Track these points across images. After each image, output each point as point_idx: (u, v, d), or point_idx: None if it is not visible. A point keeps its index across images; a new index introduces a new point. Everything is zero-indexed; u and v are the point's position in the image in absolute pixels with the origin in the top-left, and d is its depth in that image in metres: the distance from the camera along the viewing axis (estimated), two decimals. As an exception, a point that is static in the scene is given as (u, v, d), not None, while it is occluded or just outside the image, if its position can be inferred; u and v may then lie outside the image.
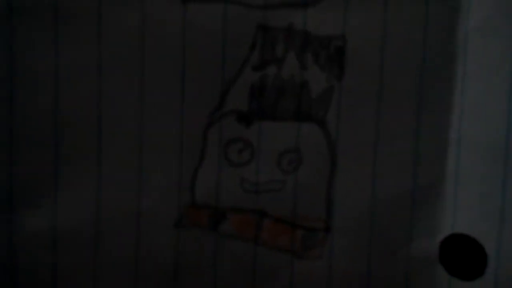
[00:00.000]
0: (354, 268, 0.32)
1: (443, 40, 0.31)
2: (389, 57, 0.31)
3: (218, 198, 0.32)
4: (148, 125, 0.31)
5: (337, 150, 0.32)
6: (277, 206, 0.32)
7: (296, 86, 0.32)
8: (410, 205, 0.32)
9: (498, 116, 0.31)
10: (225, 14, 0.31)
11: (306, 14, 0.31)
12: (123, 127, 0.31)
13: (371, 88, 0.32)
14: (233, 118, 0.32)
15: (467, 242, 0.32)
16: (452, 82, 0.31)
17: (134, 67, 0.31)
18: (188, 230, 0.32)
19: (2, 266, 0.31)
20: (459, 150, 0.32)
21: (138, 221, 0.32)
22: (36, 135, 0.31)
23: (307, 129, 0.32)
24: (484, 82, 0.31)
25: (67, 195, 0.31)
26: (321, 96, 0.32)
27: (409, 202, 0.32)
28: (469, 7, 0.31)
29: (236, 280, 0.33)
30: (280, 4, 0.31)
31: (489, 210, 0.32)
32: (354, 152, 0.32)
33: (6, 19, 0.30)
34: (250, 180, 0.32)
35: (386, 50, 0.31)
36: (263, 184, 0.32)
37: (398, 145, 0.32)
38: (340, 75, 0.32)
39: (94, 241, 0.32)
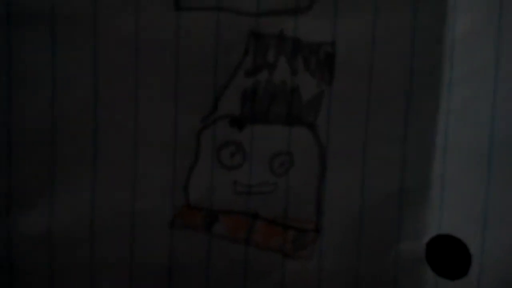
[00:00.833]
0: (344, 268, 0.33)
1: (430, 47, 0.32)
2: (378, 63, 0.32)
3: (211, 200, 0.33)
4: (142, 128, 0.32)
5: (327, 153, 0.33)
6: (269, 208, 0.33)
7: (287, 91, 0.33)
8: (398, 207, 0.33)
9: (482, 121, 0.32)
10: (218, 21, 0.32)
11: (297, 21, 0.32)
12: (118, 130, 0.32)
13: (360, 93, 0.32)
14: (226, 122, 0.33)
15: (453, 242, 0.33)
16: (439, 88, 0.32)
17: (129, 72, 0.32)
18: (181, 231, 0.33)
19: None
20: (445, 154, 0.33)
21: (132, 222, 0.33)
22: (33, 137, 0.32)
23: (298, 132, 0.33)
24: (469, 88, 0.32)
25: (63, 196, 0.32)
26: (311, 101, 0.33)
27: (397, 204, 0.33)
28: (455, 15, 0.32)
29: (228, 280, 0.33)
30: (272, 11, 0.32)
31: (473, 212, 0.33)
32: (343, 155, 0.33)
33: (4, 23, 0.31)
34: (243, 183, 0.33)
35: (375, 56, 0.32)
36: (255, 187, 0.33)
37: (386, 148, 0.33)
38: (330, 80, 0.32)
39: (89, 241, 0.33)
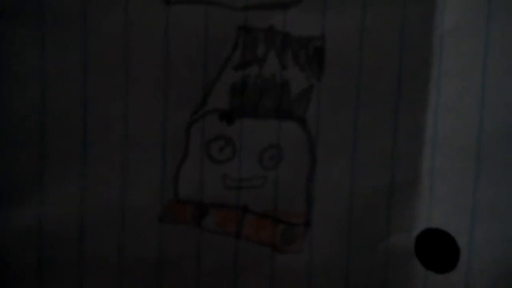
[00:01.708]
0: (333, 261, 0.33)
1: (419, 41, 0.32)
2: (367, 57, 0.32)
3: (201, 194, 0.33)
4: (132, 123, 0.32)
5: (316, 147, 0.33)
6: (259, 201, 0.33)
7: (276, 85, 0.33)
8: (388, 200, 0.33)
9: (471, 115, 0.32)
10: (207, 16, 0.32)
11: (286, 15, 0.32)
12: (107, 125, 0.32)
13: (349, 87, 0.32)
14: (215, 116, 0.33)
15: (441, 236, 0.33)
16: (428, 82, 0.32)
17: (118, 67, 0.32)
18: (171, 225, 0.33)
19: None
20: (435, 147, 0.33)
21: (122, 217, 0.33)
22: (22, 133, 0.32)
23: (287, 126, 0.33)
24: (458, 83, 0.32)
25: (52, 191, 0.32)
26: (301, 95, 0.33)
27: (386, 197, 0.33)
28: (444, 9, 0.32)
29: (218, 273, 0.33)
30: (261, 5, 0.32)
31: (462, 206, 0.33)
32: (333, 149, 0.33)
33: None
34: (232, 177, 0.33)
35: (364, 50, 0.32)
36: (244, 180, 0.33)
37: (376, 142, 0.33)
38: (319, 74, 0.32)
39: (79, 236, 0.33)
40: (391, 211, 0.33)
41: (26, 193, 0.32)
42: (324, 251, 0.34)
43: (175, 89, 0.32)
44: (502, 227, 0.33)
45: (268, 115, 0.33)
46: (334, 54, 0.32)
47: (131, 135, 0.32)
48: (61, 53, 0.31)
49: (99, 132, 0.32)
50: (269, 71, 0.32)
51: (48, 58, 0.31)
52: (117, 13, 0.31)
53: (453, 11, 0.32)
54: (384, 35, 0.32)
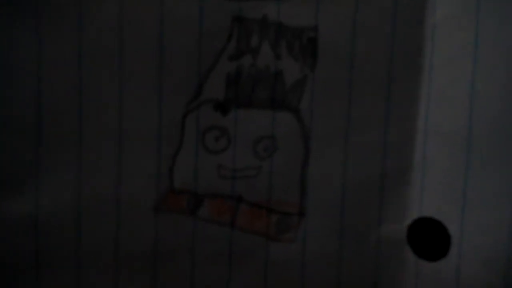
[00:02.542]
0: (326, 250, 0.34)
1: (411, 32, 0.32)
2: (360, 48, 0.32)
3: (196, 184, 0.33)
4: (127, 113, 0.32)
5: (310, 137, 0.33)
6: (253, 191, 0.33)
7: (270, 75, 0.33)
8: (380, 190, 0.33)
9: (462, 105, 0.33)
10: (202, 6, 0.32)
11: (280, 6, 0.32)
12: (103, 115, 0.32)
13: (342, 77, 0.33)
14: (210, 107, 0.33)
15: (433, 225, 0.34)
16: (420, 73, 0.33)
17: (113, 57, 0.32)
18: (166, 215, 0.33)
19: None
20: (426, 138, 0.33)
21: (117, 206, 0.33)
22: (18, 123, 0.32)
23: (281, 117, 0.33)
24: (450, 73, 0.33)
25: (48, 181, 0.32)
26: (294, 85, 0.33)
27: (378, 187, 0.34)
28: (435, 0, 0.32)
29: (213, 262, 0.34)
30: (255, -4, 0.32)
31: (453, 195, 0.33)
32: (326, 139, 0.33)
33: None
34: (227, 167, 0.33)
35: (357, 41, 0.32)
36: (239, 170, 0.33)
37: (368, 133, 0.33)
38: (313, 65, 0.33)
39: (74, 226, 0.33)
40: (383, 200, 0.34)
41: (22, 184, 0.32)
42: (317, 240, 0.34)
43: (170, 80, 0.32)
44: (493, 215, 0.33)
45: (262, 105, 0.33)
46: (327, 44, 0.32)
47: (126, 125, 0.32)
48: (57, 44, 0.31)
49: (94, 122, 0.32)
50: (263, 61, 0.33)
51: (43, 49, 0.31)
52: (112, 5, 0.31)
53: (445, 1, 0.32)
54: (377, 26, 0.32)
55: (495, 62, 0.32)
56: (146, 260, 0.33)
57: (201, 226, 0.33)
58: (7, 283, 0.32)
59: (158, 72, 0.32)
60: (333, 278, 0.34)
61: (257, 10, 0.32)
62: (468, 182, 0.33)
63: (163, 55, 0.32)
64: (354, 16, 0.32)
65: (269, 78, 0.33)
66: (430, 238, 0.34)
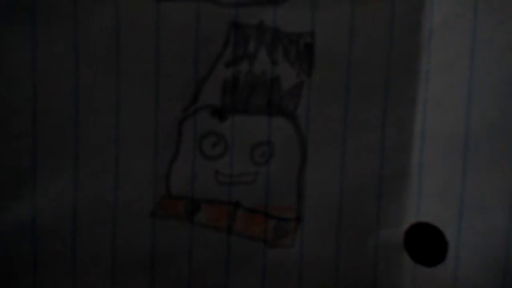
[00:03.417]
0: (324, 255, 0.34)
1: (408, 37, 0.32)
2: (357, 53, 0.32)
3: (193, 190, 0.33)
4: (124, 118, 0.32)
5: (307, 143, 0.33)
6: (250, 197, 0.33)
7: (267, 81, 0.33)
8: (377, 195, 0.34)
9: (459, 110, 0.33)
10: (198, 12, 0.32)
11: (276, 12, 0.32)
12: (99, 121, 0.32)
13: (339, 83, 0.33)
14: (207, 113, 0.33)
15: (430, 230, 0.34)
16: (417, 77, 0.33)
17: (109, 64, 0.32)
18: (164, 220, 0.33)
19: None
20: (423, 143, 0.33)
21: (115, 212, 0.33)
22: (15, 127, 0.32)
23: (278, 123, 0.33)
24: (446, 78, 0.33)
25: (45, 186, 0.32)
26: (291, 91, 0.33)
27: (376, 192, 0.34)
28: (432, 4, 0.32)
29: (211, 268, 0.34)
30: (251, 1, 0.32)
31: (450, 199, 0.33)
32: (323, 144, 0.33)
33: None
34: (224, 173, 0.33)
35: (354, 46, 0.32)
36: (236, 176, 0.33)
37: (365, 138, 0.33)
38: (309, 70, 0.33)
39: (71, 231, 0.33)
40: (381, 205, 0.34)
41: (20, 188, 0.32)
42: (315, 245, 0.34)
43: (166, 86, 0.32)
44: (490, 219, 0.33)
45: (259, 111, 0.33)
46: (324, 50, 0.32)
47: (123, 131, 0.32)
48: (53, 48, 0.31)
49: (91, 127, 0.32)
50: (260, 67, 0.33)
51: (40, 52, 0.31)
52: (108, 10, 0.31)
53: (442, 6, 0.32)
54: (373, 31, 0.32)
55: (491, 67, 0.32)
56: (143, 265, 0.33)
57: (198, 231, 0.33)
58: (5, 287, 0.32)
59: (155, 78, 0.32)
60: (331, 283, 0.34)
61: (253, 16, 0.32)
62: (465, 186, 0.33)
63: (159, 61, 0.32)
64: (351, 21, 0.32)
65: (266, 84, 0.33)
66: (427, 243, 0.34)
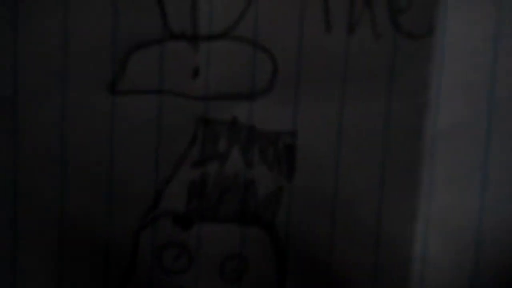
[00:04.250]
0: None
1: (406, 143, 0.27)
2: (346, 157, 0.28)
3: (150, 310, 0.29)
4: (69, 229, 0.28)
5: (286, 259, 0.29)
6: (218, 319, 0.29)
7: (240, 185, 0.28)
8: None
9: (466, 235, 0.28)
10: (160, 106, 0.27)
11: (252, 107, 0.27)
12: (40, 236, 0.28)
13: (325, 190, 0.28)
14: (169, 220, 0.28)
15: None
16: (417, 191, 0.27)
17: (53, 162, 0.27)
18: None
19: None
20: (427, 233, 0.28)
21: None
22: None
23: (252, 233, 0.28)
24: (452, 194, 0.28)
25: None
26: (268, 198, 0.28)
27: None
28: (437, 107, 0.27)
29: None
30: (223, 95, 0.27)
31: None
32: (305, 260, 0.28)
33: None
34: (188, 290, 0.29)
35: (342, 148, 0.28)
36: (202, 295, 0.29)
37: (357, 256, 0.28)
38: (290, 175, 0.28)
39: None
40: None
41: None
42: None
43: (121, 189, 0.28)
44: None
45: (230, 219, 0.28)
46: (307, 152, 0.27)
47: (67, 244, 0.28)
48: None
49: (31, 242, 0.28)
50: (232, 169, 0.28)
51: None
52: (55, 101, 0.27)
53: (448, 109, 0.27)
54: (365, 133, 0.27)
55: (506, 182, 0.27)
56: None
57: None
58: None
59: (108, 179, 0.28)
60: None
61: (225, 111, 0.27)
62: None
63: (114, 160, 0.28)
64: (338, 120, 0.27)
65: (239, 188, 0.28)
66: None
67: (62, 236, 0.28)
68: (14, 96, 0.26)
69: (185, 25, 0.26)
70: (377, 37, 0.26)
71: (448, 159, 0.27)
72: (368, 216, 0.28)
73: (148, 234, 0.28)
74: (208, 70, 0.27)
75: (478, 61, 0.27)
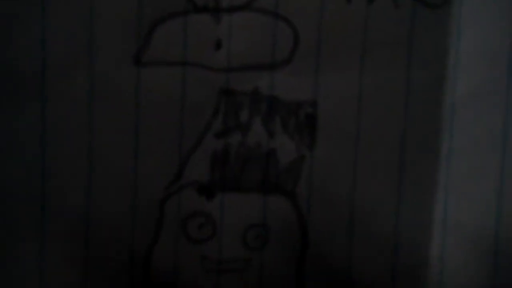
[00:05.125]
0: None
1: (426, 110, 0.28)
2: (366, 126, 0.28)
3: (176, 278, 0.29)
4: (98, 197, 0.28)
5: (308, 226, 0.29)
6: (241, 286, 0.29)
7: (262, 155, 0.29)
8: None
9: (486, 199, 0.28)
10: (184, 78, 0.28)
11: (273, 77, 0.28)
12: (71, 199, 0.28)
13: (345, 159, 0.28)
14: (193, 190, 0.29)
15: None
16: (437, 158, 0.28)
17: (81, 135, 0.28)
18: (142, 313, 0.29)
19: None
20: (444, 233, 0.29)
21: None
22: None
23: (275, 202, 0.29)
24: (471, 161, 0.28)
25: None
26: (290, 167, 0.29)
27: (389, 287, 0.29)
28: (456, 75, 0.28)
29: None
30: (245, 66, 0.28)
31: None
32: (327, 229, 0.29)
33: None
34: (212, 258, 0.29)
35: (363, 117, 0.28)
36: (225, 263, 0.29)
37: (376, 224, 0.29)
38: (311, 144, 0.29)
39: None
40: None
41: None
42: None
43: (147, 160, 0.28)
44: None
45: (253, 188, 0.29)
46: (328, 121, 0.28)
47: (95, 212, 0.28)
48: (18, 122, 0.28)
49: (62, 206, 0.29)
50: (254, 139, 0.29)
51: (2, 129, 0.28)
52: (80, 76, 0.28)
53: (467, 77, 0.28)
54: (386, 102, 0.28)
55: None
56: None
57: (181, 325, 0.30)
58: None
59: (134, 150, 0.28)
60: None
61: (247, 82, 0.28)
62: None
63: (138, 132, 0.28)
64: (359, 90, 0.28)
65: (261, 158, 0.29)
66: None
67: (88, 210, 0.28)
68: (42, 70, 0.27)
69: (207, -3, 0.27)
70: (396, 6, 0.27)
71: (468, 126, 0.28)
72: (389, 182, 0.28)
73: (172, 204, 0.29)
74: (230, 42, 0.27)
75: (496, 29, 0.27)
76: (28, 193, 0.28)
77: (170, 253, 0.29)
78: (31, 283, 0.28)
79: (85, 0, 0.27)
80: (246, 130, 0.28)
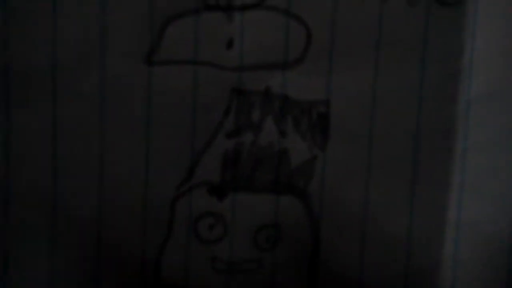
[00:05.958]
0: None
1: (441, 109, 0.28)
2: (379, 125, 0.28)
3: (186, 278, 0.29)
4: (110, 196, 0.28)
5: (320, 227, 0.29)
6: (253, 288, 0.29)
7: (274, 155, 0.28)
8: None
9: (498, 196, 0.28)
10: (196, 77, 0.28)
11: (286, 77, 0.28)
12: (82, 198, 0.28)
13: (358, 159, 0.28)
14: (204, 190, 0.29)
15: None
16: (451, 156, 0.28)
17: (93, 133, 0.28)
18: (153, 313, 0.29)
19: None
20: (458, 233, 0.28)
21: None
22: None
23: (286, 202, 0.29)
24: (486, 158, 0.28)
25: None
26: (302, 166, 0.29)
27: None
28: (470, 72, 0.28)
29: None
30: (257, 65, 0.28)
31: None
32: (339, 228, 0.29)
33: None
34: (223, 259, 0.29)
35: (376, 117, 0.28)
36: (236, 264, 0.29)
37: (389, 225, 0.29)
38: (323, 143, 0.28)
39: None
40: None
41: None
42: None
43: (158, 159, 0.28)
44: None
45: (264, 188, 0.29)
46: (341, 121, 0.28)
47: (107, 210, 0.28)
48: (30, 123, 0.28)
49: (72, 203, 0.29)
50: (266, 139, 0.28)
51: (15, 126, 0.28)
52: (92, 75, 0.28)
53: (482, 74, 0.27)
54: (399, 101, 0.28)
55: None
56: None
57: (192, 326, 0.29)
58: None
59: (145, 149, 0.28)
60: None
61: (259, 81, 0.28)
62: None
63: (150, 132, 0.28)
64: (372, 88, 0.28)
65: (273, 157, 0.28)
66: None
67: (99, 209, 0.28)
68: (53, 69, 0.27)
69: (219, -5, 0.27)
70: (410, 4, 0.27)
71: (483, 125, 0.28)
72: (403, 181, 0.28)
73: (183, 204, 0.29)
74: (242, 41, 0.27)
75: (510, 27, 0.27)
76: (39, 193, 0.28)
77: (181, 254, 0.29)
78: (43, 284, 0.28)
79: None
80: (258, 129, 0.28)
